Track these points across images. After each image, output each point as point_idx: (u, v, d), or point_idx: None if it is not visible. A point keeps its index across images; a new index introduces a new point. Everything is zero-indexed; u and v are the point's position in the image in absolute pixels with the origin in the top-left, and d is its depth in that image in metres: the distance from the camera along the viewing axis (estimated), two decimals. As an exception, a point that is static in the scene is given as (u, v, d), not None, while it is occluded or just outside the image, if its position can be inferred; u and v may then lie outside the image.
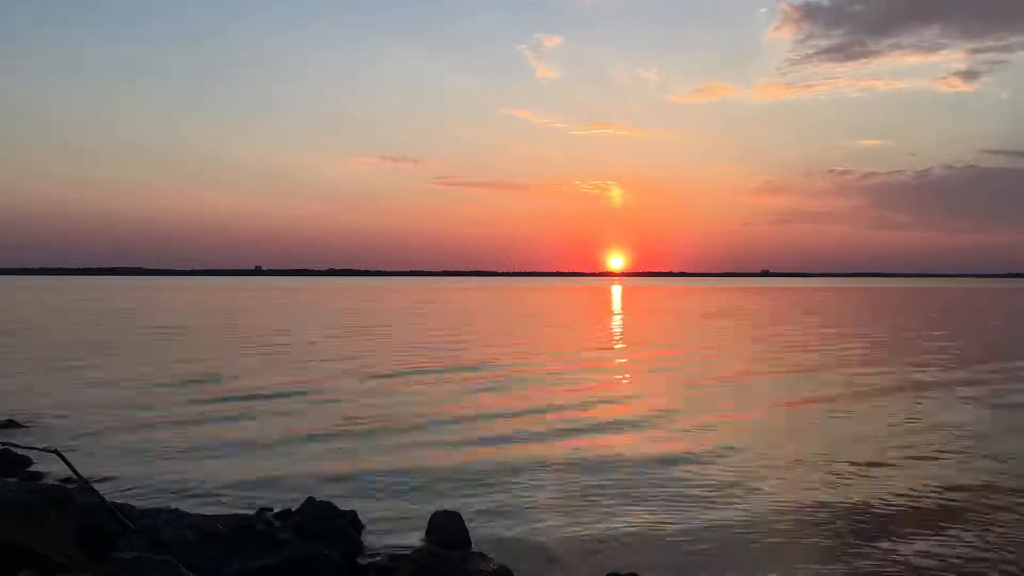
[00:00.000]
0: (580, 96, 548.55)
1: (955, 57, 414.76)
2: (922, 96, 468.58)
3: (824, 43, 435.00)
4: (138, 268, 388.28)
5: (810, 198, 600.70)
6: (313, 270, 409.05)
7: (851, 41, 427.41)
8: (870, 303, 76.38)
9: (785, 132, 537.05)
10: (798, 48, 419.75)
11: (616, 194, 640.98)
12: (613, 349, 29.41)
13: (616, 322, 46.45)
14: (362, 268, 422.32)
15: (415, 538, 7.76)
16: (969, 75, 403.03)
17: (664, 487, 9.80)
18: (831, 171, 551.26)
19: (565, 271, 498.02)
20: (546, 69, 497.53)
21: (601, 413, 15.13)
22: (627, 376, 21.94)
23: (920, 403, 16.34)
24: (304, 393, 17.52)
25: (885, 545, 7.73)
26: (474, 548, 7.50)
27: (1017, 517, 8.63)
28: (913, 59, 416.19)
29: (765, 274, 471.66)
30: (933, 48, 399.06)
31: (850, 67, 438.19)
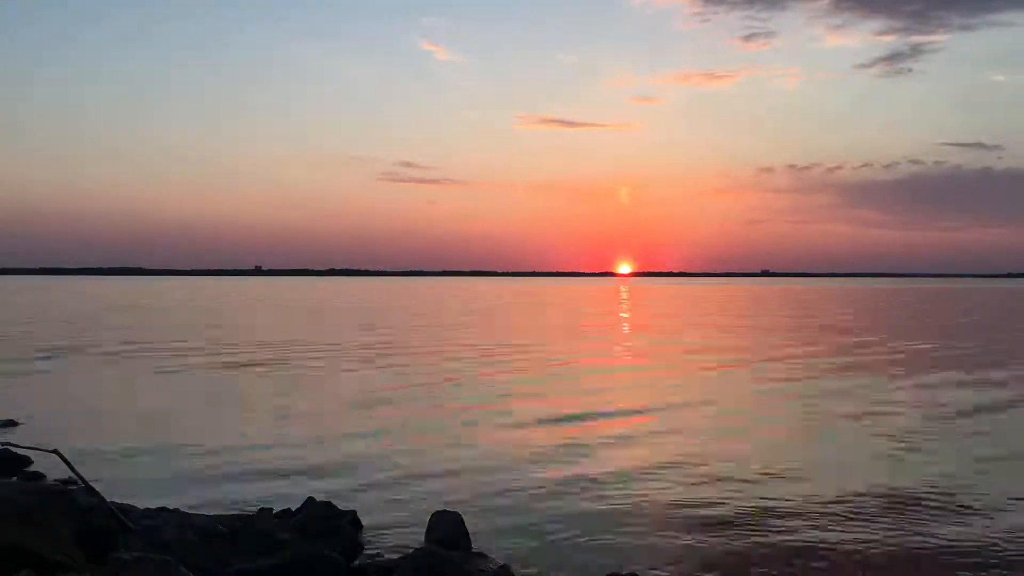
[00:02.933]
0: (493, 86, 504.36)
1: (872, 41, 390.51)
2: (858, 85, 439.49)
3: (720, 21, 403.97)
4: (138, 268, 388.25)
5: (777, 195, 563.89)
6: (314, 270, 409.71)
7: (745, 17, 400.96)
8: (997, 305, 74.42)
9: (730, 124, 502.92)
10: (694, 20, 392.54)
11: (583, 191, 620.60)
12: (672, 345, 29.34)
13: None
14: (362, 268, 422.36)
15: (415, 538, 7.76)
16: (895, 59, 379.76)
17: (665, 488, 9.81)
18: (791, 166, 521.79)
19: (574, 271, 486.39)
20: (446, 55, 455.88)
21: (605, 415, 15.14)
22: (637, 375, 21.94)
23: None
24: (305, 392, 17.53)
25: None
26: (474, 548, 7.50)
27: None
28: (829, 42, 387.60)
29: (766, 274, 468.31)
30: (841, 26, 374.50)
31: (758, 47, 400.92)
